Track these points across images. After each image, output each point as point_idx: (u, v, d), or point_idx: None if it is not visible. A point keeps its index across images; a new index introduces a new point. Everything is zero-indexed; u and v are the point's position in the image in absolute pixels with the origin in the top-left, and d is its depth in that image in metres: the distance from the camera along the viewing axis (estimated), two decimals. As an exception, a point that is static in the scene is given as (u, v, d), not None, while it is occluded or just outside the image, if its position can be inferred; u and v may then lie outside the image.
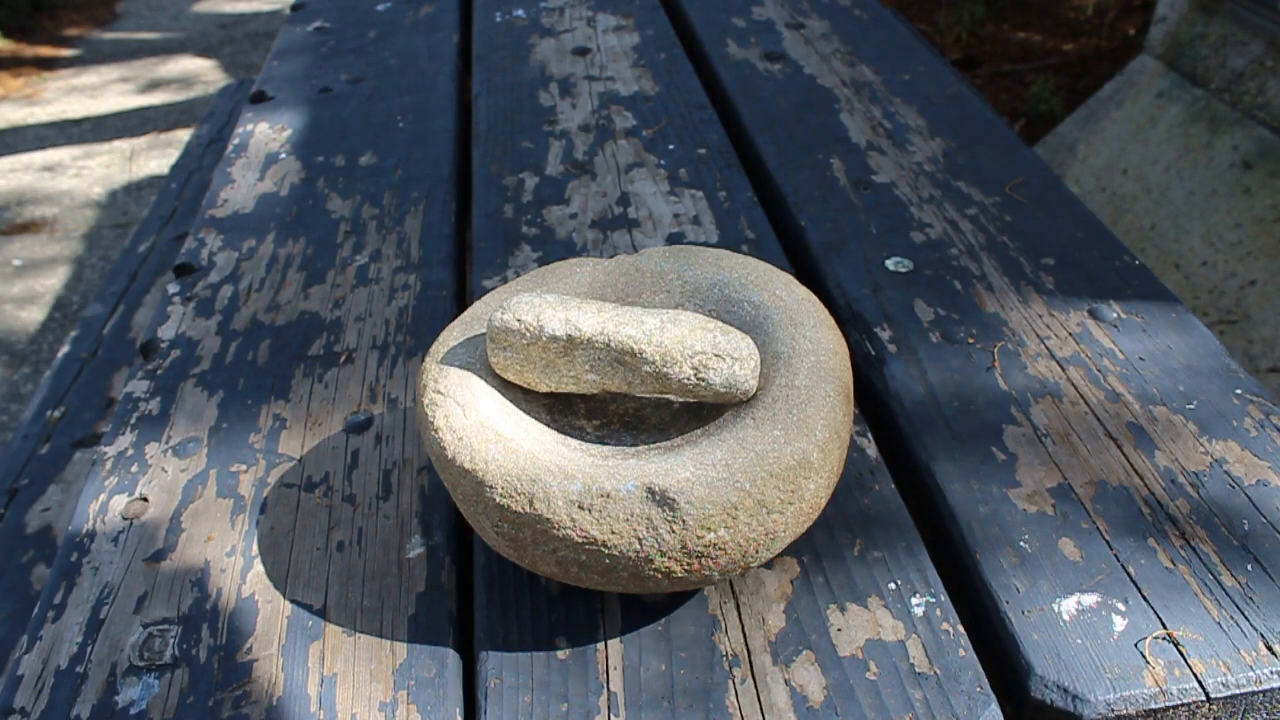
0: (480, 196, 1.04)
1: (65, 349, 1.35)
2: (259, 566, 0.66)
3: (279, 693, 0.58)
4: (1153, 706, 0.55)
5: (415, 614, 0.62)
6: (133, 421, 0.79)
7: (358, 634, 0.61)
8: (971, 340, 0.81)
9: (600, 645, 0.59)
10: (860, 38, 1.33)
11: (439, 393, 0.60)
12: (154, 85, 3.38)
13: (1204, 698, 0.55)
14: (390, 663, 0.59)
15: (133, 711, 0.58)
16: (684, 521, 0.53)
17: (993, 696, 0.55)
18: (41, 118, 3.18)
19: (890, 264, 0.90)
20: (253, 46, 3.64)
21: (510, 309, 0.60)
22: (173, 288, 0.94)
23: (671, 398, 0.64)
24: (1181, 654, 0.57)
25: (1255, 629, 0.58)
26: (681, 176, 1.04)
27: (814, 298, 0.66)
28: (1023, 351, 0.79)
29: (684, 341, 0.58)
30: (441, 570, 0.65)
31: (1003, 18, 3.10)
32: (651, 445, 0.61)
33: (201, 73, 3.46)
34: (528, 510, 0.54)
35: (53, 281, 2.36)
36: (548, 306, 0.60)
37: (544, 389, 0.61)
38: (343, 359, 0.83)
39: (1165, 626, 0.58)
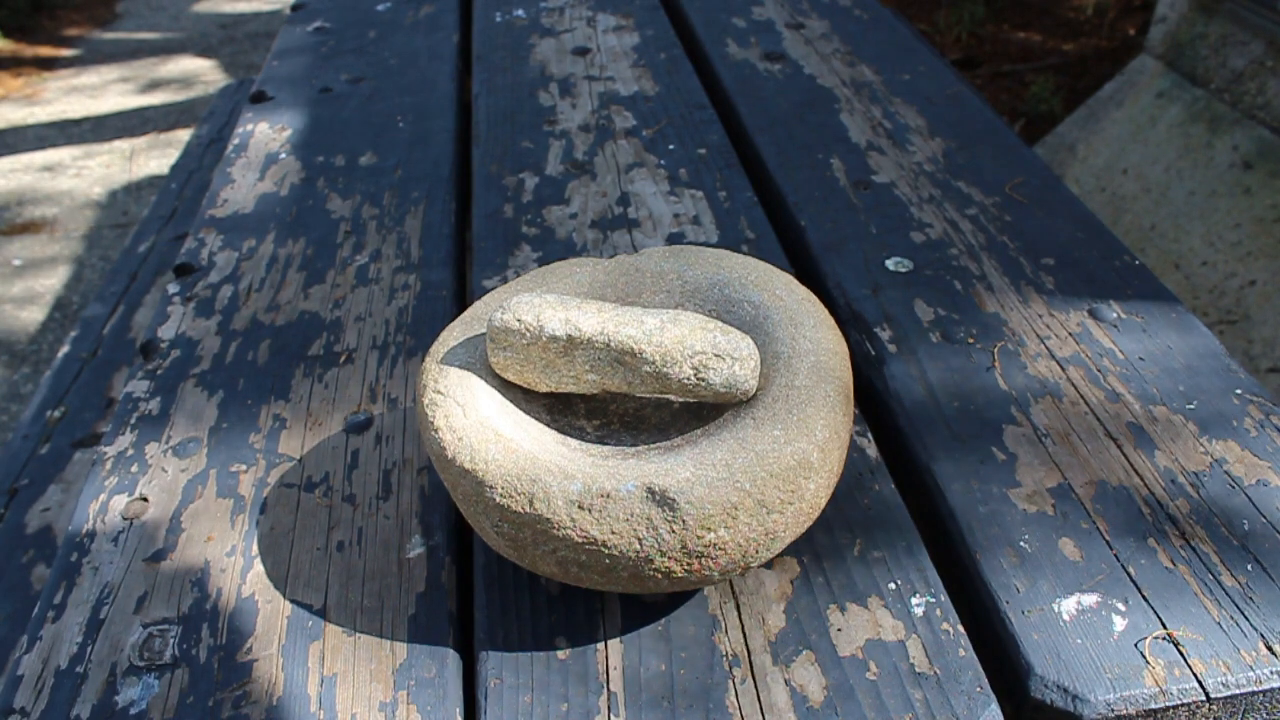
0: (480, 196, 1.04)
1: (65, 349, 1.35)
2: (259, 566, 0.66)
3: (279, 693, 0.58)
4: (1153, 706, 0.55)
5: (415, 614, 0.62)
6: (133, 421, 0.79)
7: (358, 634, 0.61)
8: (971, 340, 0.81)
9: (600, 645, 0.59)
10: (860, 38, 1.33)
11: (439, 393, 0.60)
12: (154, 85, 3.38)
13: (1204, 698, 0.55)
14: (390, 663, 0.59)
15: (133, 711, 0.58)
16: (684, 521, 0.53)
17: (993, 696, 0.55)
18: (41, 118, 3.18)
19: (890, 264, 0.90)
20: (253, 46, 3.64)
21: (510, 309, 0.60)
22: (173, 288, 0.94)
23: (671, 398, 0.64)
24: (1181, 654, 0.57)
25: (1255, 629, 0.58)
26: (681, 176, 1.04)
27: (814, 298, 0.66)
28: (1023, 351, 0.79)
29: (684, 341, 0.58)
30: (441, 570, 0.65)
31: (1003, 18, 3.10)
32: (651, 445, 0.61)
33: (201, 73, 3.46)
34: (528, 510, 0.54)
35: (53, 281, 2.36)
36: (548, 306, 0.60)
37: (544, 389, 0.61)
38: (343, 359, 0.83)
39: (1165, 626, 0.58)
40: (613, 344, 0.58)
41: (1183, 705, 0.55)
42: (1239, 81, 1.95)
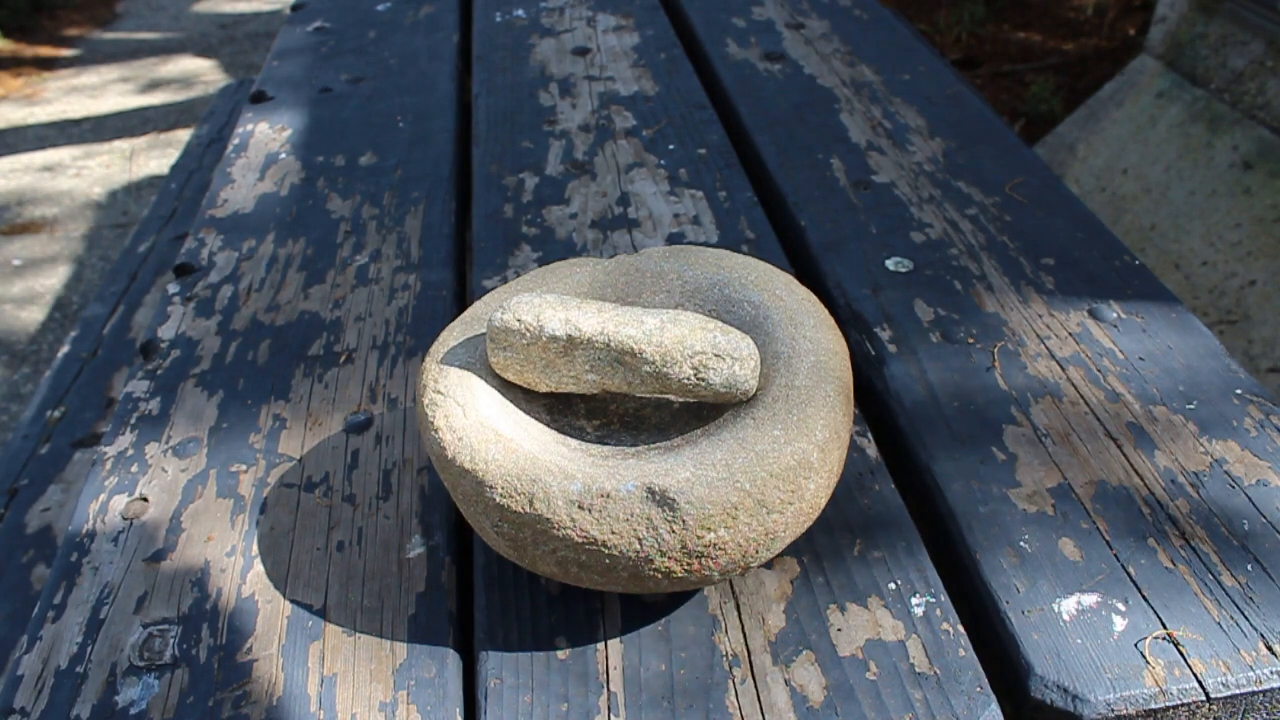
0: (480, 196, 1.04)
1: (65, 349, 1.35)
2: (259, 566, 0.66)
3: (279, 693, 0.58)
4: (1153, 706, 0.55)
5: (415, 614, 0.62)
6: (133, 421, 0.79)
7: (358, 634, 0.61)
8: (971, 340, 0.81)
9: (600, 645, 0.59)
10: (860, 38, 1.33)
11: (439, 393, 0.60)
12: (154, 85, 3.38)
13: (1204, 698, 0.55)
14: (390, 663, 0.59)
15: (133, 711, 0.58)
16: (684, 521, 0.53)
17: (993, 696, 0.55)
18: (41, 118, 3.18)
19: (890, 264, 0.90)
20: (253, 46, 3.65)
21: (510, 309, 0.60)
22: (173, 288, 0.94)
23: (671, 398, 0.64)
24: (1181, 654, 0.57)
25: (1255, 629, 0.58)
26: (681, 176, 1.04)
27: (814, 298, 0.66)
28: (1023, 351, 0.79)
29: (684, 341, 0.58)
30: (441, 570, 0.65)
31: (1003, 18, 3.10)
32: (651, 445, 0.61)
33: (201, 73, 3.46)
34: (528, 510, 0.54)
35: (53, 281, 2.36)
36: (548, 306, 0.60)
37: (544, 389, 0.61)
38: (343, 359, 0.83)
39: (1165, 626, 0.58)
40: (613, 344, 0.58)
41: (1183, 705, 0.55)
42: (1239, 81, 1.95)
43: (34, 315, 2.25)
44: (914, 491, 0.71)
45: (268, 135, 1.20)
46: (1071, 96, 2.59)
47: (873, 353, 0.80)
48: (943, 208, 0.97)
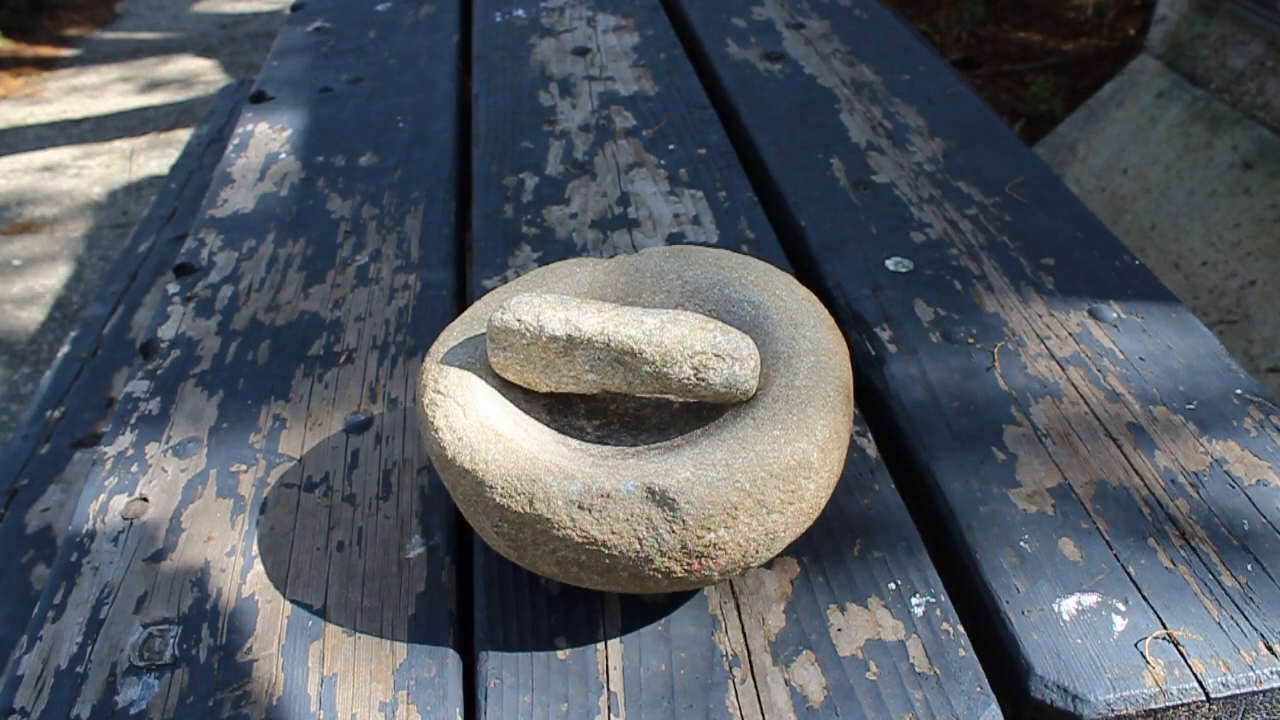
0: (480, 196, 1.04)
1: (65, 349, 1.35)
2: (259, 566, 0.66)
3: (279, 693, 0.58)
4: (1153, 706, 0.55)
5: (415, 614, 0.62)
6: (133, 421, 0.79)
7: (358, 634, 0.61)
8: (971, 340, 0.81)
9: (600, 645, 0.59)
10: (860, 38, 1.33)
11: (439, 393, 0.60)
12: (154, 85, 3.38)
13: (1204, 698, 0.55)
14: (390, 663, 0.59)
15: (133, 711, 0.58)
16: (684, 521, 0.53)
17: (993, 696, 0.55)
18: (41, 118, 3.18)
19: (890, 264, 0.90)
20: (253, 46, 3.65)
21: (510, 309, 0.60)
22: (173, 288, 0.94)
23: (671, 398, 0.64)
24: (1181, 654, 0.57)
25: (1255, 629, 0.58)
26: (681, 176, 1.05)
27: (814, 298, 0.66)
28: (1023, 351, 0.79)
29: (684, 341, 0.58)
30: (441, 570, 0.65)
31: (1003, 18, 3.10)
32: (651, 445, 0.61)
33: (201, 73, 3.46)
34: (528, 510, 0.54)
35: (53, 281, 2.36)
36: (548, 306, 0.60)
37: (544, 389, 0.62)
38: (343, 359, 0.83)
39: (1165, 626, 0.58)
40: (613, 344, 0.58)
41: (1183, 705, 0.56)
42: (1239, 81, 1.95)
43: (34, 315, 2.25)
44: (914, 491, 0.71)
45: (268, 135, 1.20)
46: (1071, 96, 2.59)
47: (873, 353, 0.80)
48: (943, 208, 0.97)
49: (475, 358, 0.63)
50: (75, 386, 1.26)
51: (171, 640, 0.61)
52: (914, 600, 0.61)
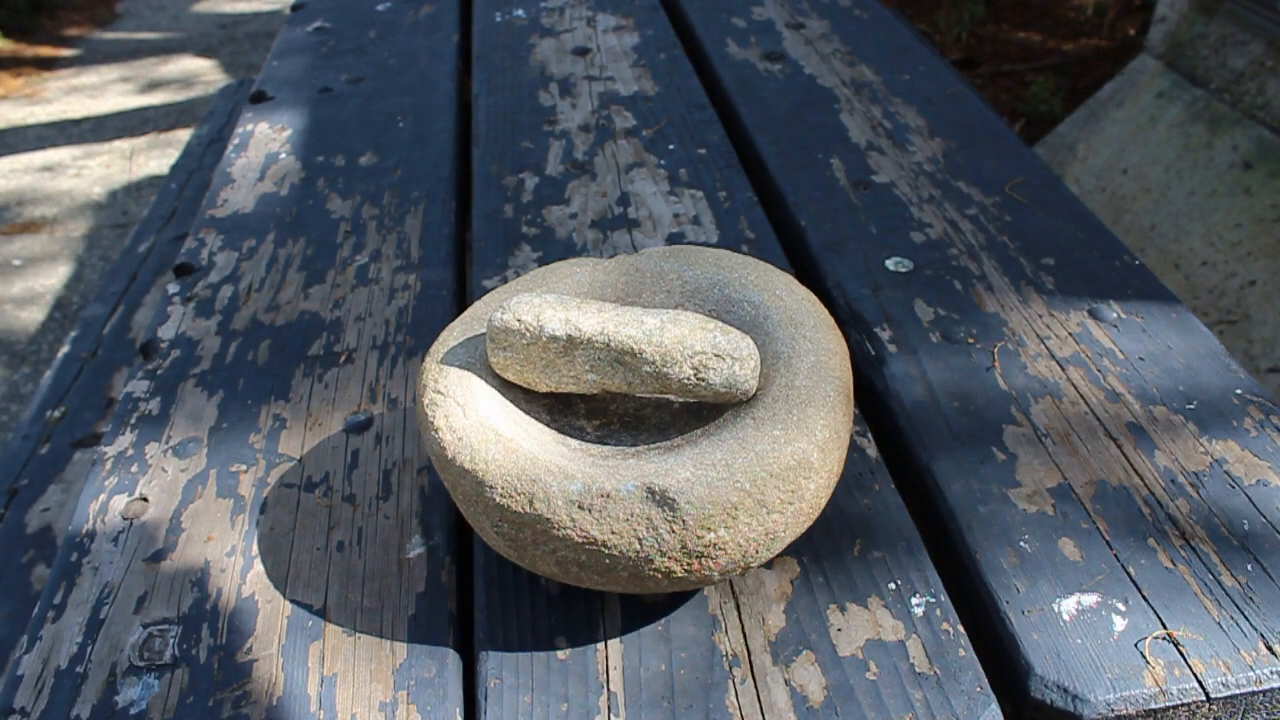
0: (480, 196, 1.04)
1: (65, 349, 1.35)
2: (259, 566, 0.66)
3: (279, 693, 0.58)
4: (1153, 706, 0.55)
5: (415, 614, 0.62)
6: (133, 421, 0.79)
7: (358, 634, 0.61)
8: (971, 340, 0.81)
9: (600, 645, 0.59)
10: (860, 38, 1.33)
11: (439, 393, 0.60)
12: (154, 85, 3.38)
13: (1204, 698, 0.55)
14: (390, 663, 0.59)
15: (133, 711, 0.58)
16: (684, 521, 0.53)
17: (993, 696, 0.55)
18: (41, 118, 3.18)
19: (890, 264, 0.90)
20: (253, 46, 3.65)
21: (510, 309, 0.60)
22: (173, 288, 0.94)
23: (671, 398, 0.64)
24: (1181, 654, 0.57)
25: (1255, 629, 0.58)
26: (681, 176, 1.04)
27: (814, 298, 0.66)
28: (1023, 351, 0.79)
29: (684, 341, 0.58)
30: (441, 570, 0.65)
31: (1003, 18, 3.10)
32: (651, 445, 0.61)
33: (201, 73, 3.46)
34: (528, 510, 0.54)
35: (53, 281, 2.36)
36: (548, 306, 0.60)
37: (544, 389, 0.62)
38: (343, 359, 0.83)
39: (1165, 626, 0.58)
40: (613, 344, 0.58)
41: (1183, 705, 0.56)
42: (1239, 81, 1.95)
43: (34, 315, 2.25)
44: (914, 491, 0.71)
45: (268, 135, 1.20)
46: (1071, 96, 2.59)
47: (873, 353, 0.80)
48: (943, 208, 0.97)
49: (475, 358, 0.63)
50: (75, 386, 1.26)
51: (171, 640, 0.61)
52: (914, 600, 0.61)
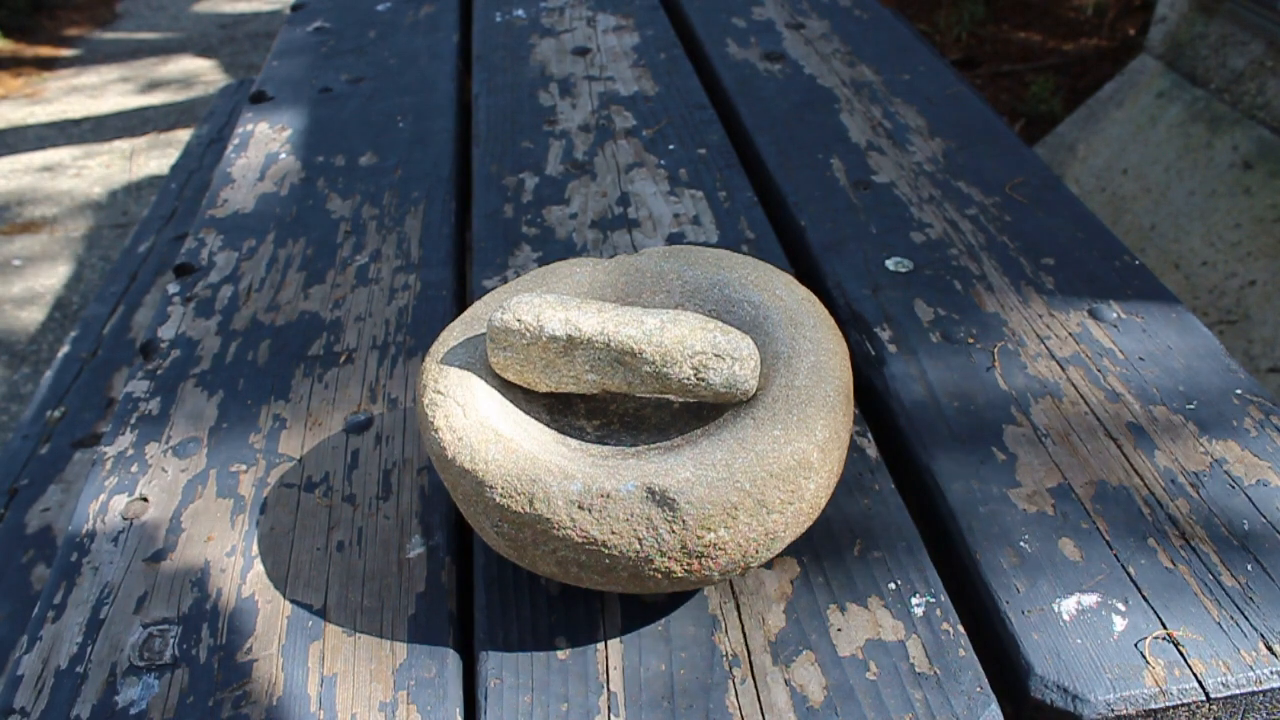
0: (480, 196, 1.04)
1: (65, 349, 1.35)
2: (259, 566, 0.66)
3: (279, 693, 0.58)
4: (1153, 706, 0.55)
5: (415, 614, 0.62)
6: (133, 421, 0.79)
7: (358, 634, 0.61)
8: (971, 340, 0.81)
9: (600, 645, 0.59)
10: (860, 38, 1.33)
11: (439, 393, 0.60)
12: (154, 85, 3.38)
13: (1204, 698, 0.55)
14: (390, 663, 0.59)
15: (133, 711, 0.58)
16: (684, 521, 0.53)
17: (993, 696, 0.55)
18: (41, 118, 3.18)
19: (890, 264, 0.90)
20: (253, 46, 3.65)
21: (510, 309, 0.60)
22: (173, 288, 0.94)
23: (671, 398, 0.64)
24: (1181, 654, 0.57)
25: (1255, 629, 0.58)
26: (681, 176, 1.05)
27: (814, 298, 0.66)
28: (1023, 351, 0.79)
29: (684, 341, 0.58)
30: (441, 570, 0.65)
31: (1003, 18, 3.10)
32: (651, 445, 0.61)
33: (201, 73, 3.46)
34: (528, 510, 0.54)
35: (53, 281, 2.36)
36: (548, 306, 0.60)
37: (544, 389, 0.62)
38: (343, 359, 0.83)
39: (1165, 626, 0.58)
40: (613, 344, 0.59)
41: (1183, 705, 0.56)
42: (1239, 81, 1.95)
43: (34, 315, 2.25)
44: (914, 491, 0.71)
45: (268, 135, 1.20)
46: (1071, 96, 2.59)
47: (873, 353, 0.80)
48: (943, 208, 0.97)
49: (475, 358, 0.63)
50: (75, 386, 1.26)
51: (171, 640, 0.61)
52: (914, 600, 0.61)
